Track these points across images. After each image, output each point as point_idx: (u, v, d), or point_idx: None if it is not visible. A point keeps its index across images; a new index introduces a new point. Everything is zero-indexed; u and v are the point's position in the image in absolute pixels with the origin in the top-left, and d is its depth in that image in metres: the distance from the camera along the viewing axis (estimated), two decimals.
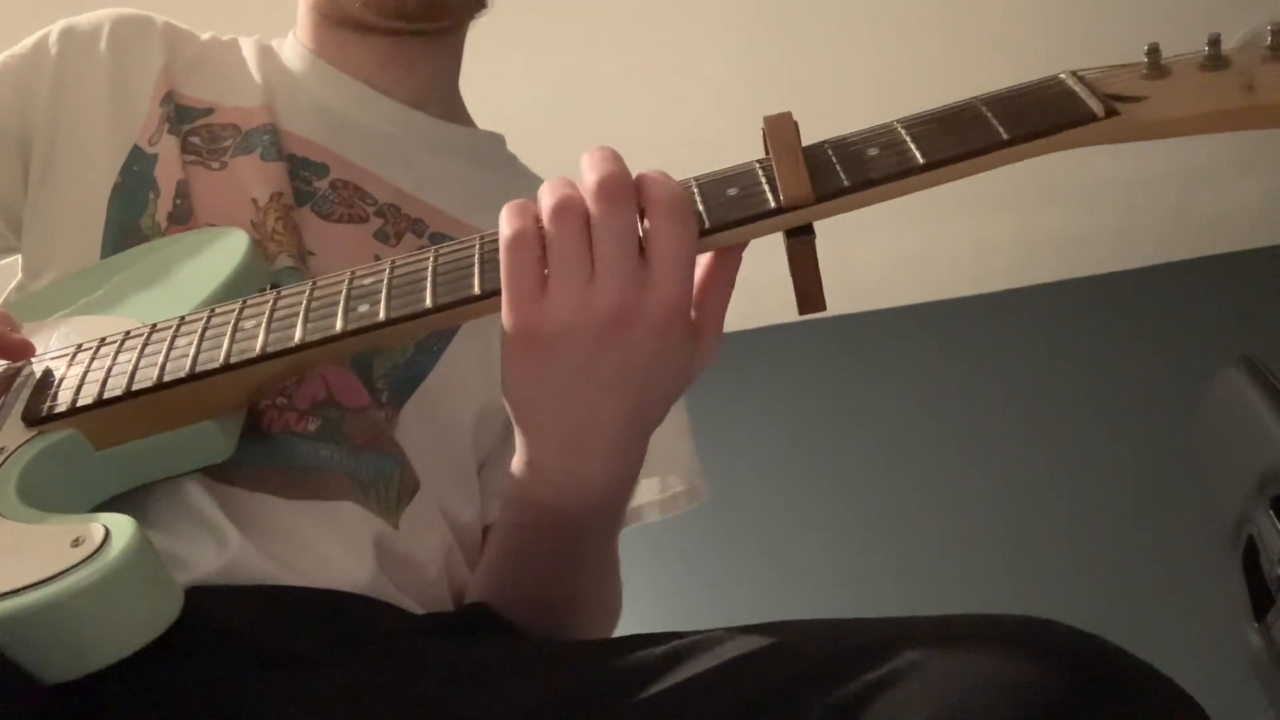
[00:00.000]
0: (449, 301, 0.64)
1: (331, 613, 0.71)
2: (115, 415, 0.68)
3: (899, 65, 2.56)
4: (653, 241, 0.61)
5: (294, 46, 0.98)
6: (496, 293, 0.63)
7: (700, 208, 0.63)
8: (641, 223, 0.62)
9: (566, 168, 0.67)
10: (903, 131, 0.63)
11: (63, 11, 0.98)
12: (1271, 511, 1.74)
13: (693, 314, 0.64)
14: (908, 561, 2.96)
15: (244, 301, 0.70)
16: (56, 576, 0.56)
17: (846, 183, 0.62)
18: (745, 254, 0.66)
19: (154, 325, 0.71)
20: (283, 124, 0.90)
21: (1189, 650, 1.79)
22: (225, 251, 0.78)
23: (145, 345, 0.70)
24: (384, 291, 0.66)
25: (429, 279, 0.65)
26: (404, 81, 0.95)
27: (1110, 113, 0.59)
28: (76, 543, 0.57)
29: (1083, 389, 3.08)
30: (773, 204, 0.62)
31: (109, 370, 0.69)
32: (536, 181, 0.77)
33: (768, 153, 0.64)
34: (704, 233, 0.63)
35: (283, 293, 0.70)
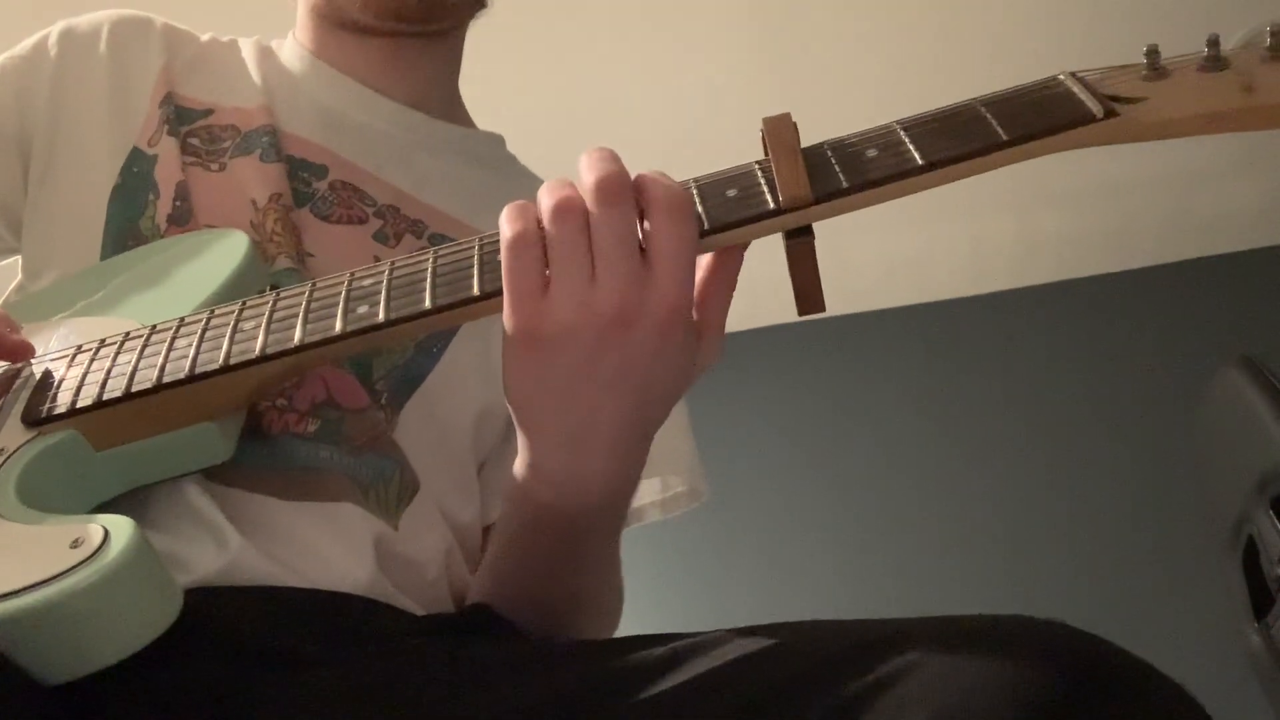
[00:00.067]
0: (448, 303, 0.64)
1: (331, 613, 0.71)
2: (115, 416, 0.68)
3: (898, 66, 2.56)
4: (653, 241, 0.61)
5: (293, 47, 0.98)
6: (496, 294, 0.63)
7: (700, 209, 0.63)
8: (641, 223, 0.62)
9: (566, 168, 0.67)
10: (902, 132, 0.63)
11: (63, 12, 0.99)
12: (1271, 511, 1.74)
13: (694, 315, 0.65)
14: (908, 561, 2.96)
15: (243, 303, 0.70)
16: (56, 577, 0.56)
17: (845, 184, 0.62)
18: (745, 254, 0.66)
19: (154, 326, 0.71)
20: (282, 125, 0.90)
21: (1189, 650, 1.79)
22: (225, 253, 0.78)
23: (145, 346, 0.70)
24: (383, 292, 0.66)
25: (428, 280, 0.65)
26: (403, 82, 0.95)
27: (1109, 114, 0.60)
28: (76, 544, 0.58)
29: (1082, 389, 3.08)
30: (772, 205, 0.62)
31: (108, 371, 0.69)
32: (536, 182, 0.77)
33: (767, 154, 0.64)
34: (703, 234, 0.63)
35: (282, 294, 0.70)
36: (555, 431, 0.66)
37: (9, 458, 0.66)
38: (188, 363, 0.67)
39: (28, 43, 0.94)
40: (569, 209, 0.61)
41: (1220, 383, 1.93)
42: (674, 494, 0.98)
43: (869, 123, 0.65)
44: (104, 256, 0.84)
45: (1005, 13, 2.48)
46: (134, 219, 0.85)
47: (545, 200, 0.62)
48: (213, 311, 0.71)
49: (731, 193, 0.64)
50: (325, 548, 0.73)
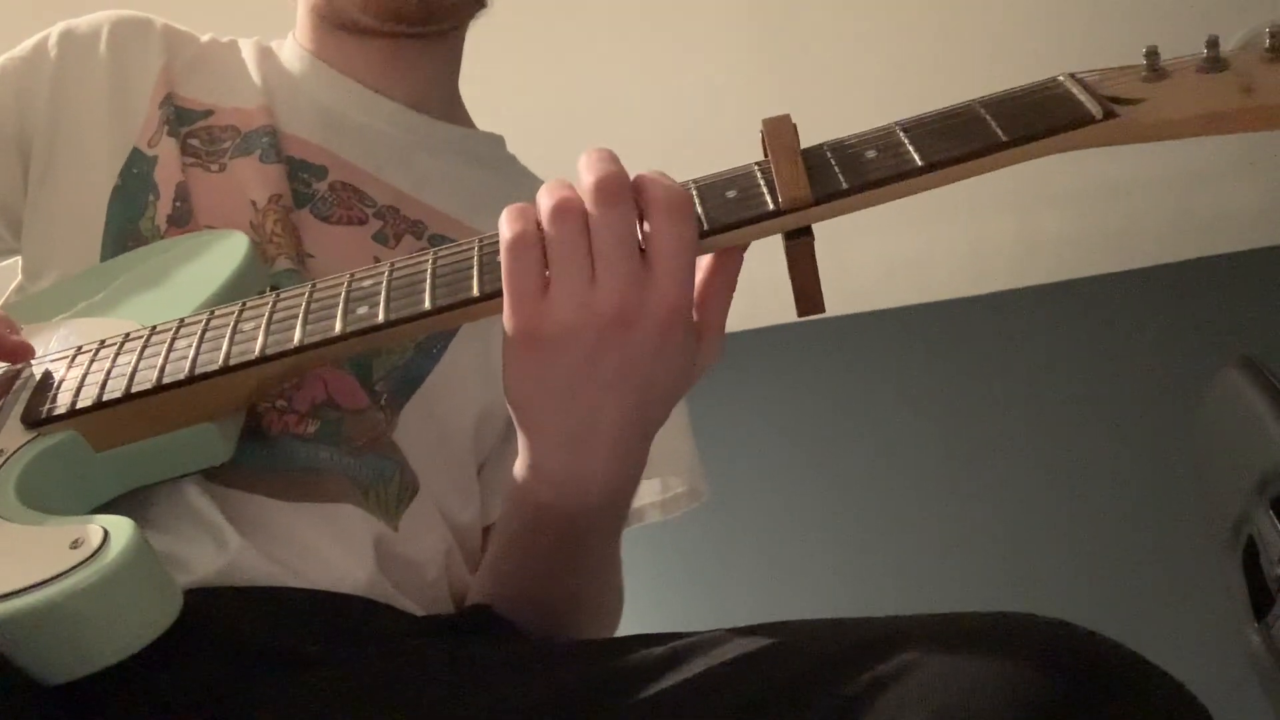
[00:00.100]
0: (448, 303, 0.64)
1: (331, 614, 0.71)
2: (114, 417, 0.68)
3: (897, 68, 2.56)
4: (653, 241, 0.61)
5: (293, 48, 0.98)
6: (496, 295, 0.64)
7: (699, 210, 0.63)
8: (641, 224, 0.62)
9: (566, 168, 0.67)
10: (901, 134, 0.63)
11: (63, 12, 0.99)
12: (1271, 511, 1.74)
13: (695, 312, 0.65)
14: (908, 562, 2.96)
15: (243, 304, 0.70)
16: (55, 578, 0.56)
17: (845, 185, 0.62)
18: (745, 255, 0.66)
19: (153, 327, 0.71)
20: (282, 126, 0.90)
21: (1189, 650, 1.79)
22: (225, 254, 0.78)
23: (145, 347, 0.70)
24: (383, 293, 0.66)
25: (428, 281, 0.65)
26: (403, 83, 0.95)
27: (1109, 115, 0.60)
28: (75, 544, 0.58)
29: (1082, 389, 3.08)
30: (771, 206, 0.62)
31: (108, 372, 0.69)
32: (536, 182, 0.77)
33: (766, 155, 0.64)
34: (703, 235, 0.63)
35: (282, 295, 0.70)
36: (555, 432, 0.66)
37: (9, 458, 0.66)
38: (187, 363, 0.67)
39: (28, 44, 0.94)
40: (568, 210, 0.61)
41: (1220, 383, 1.93)
42: (674, 494, 0.98)
43: (869, 123, 0.65)
44: (104, 257, 0.84)
45: (1005, 13, 2.48)
46: (134, 220, 0.85)
47: (544, 201, 0.62)
48: (212, 312, 0.71)
49: (731, 194, 0.64)
50: (325, 548, 0.73)
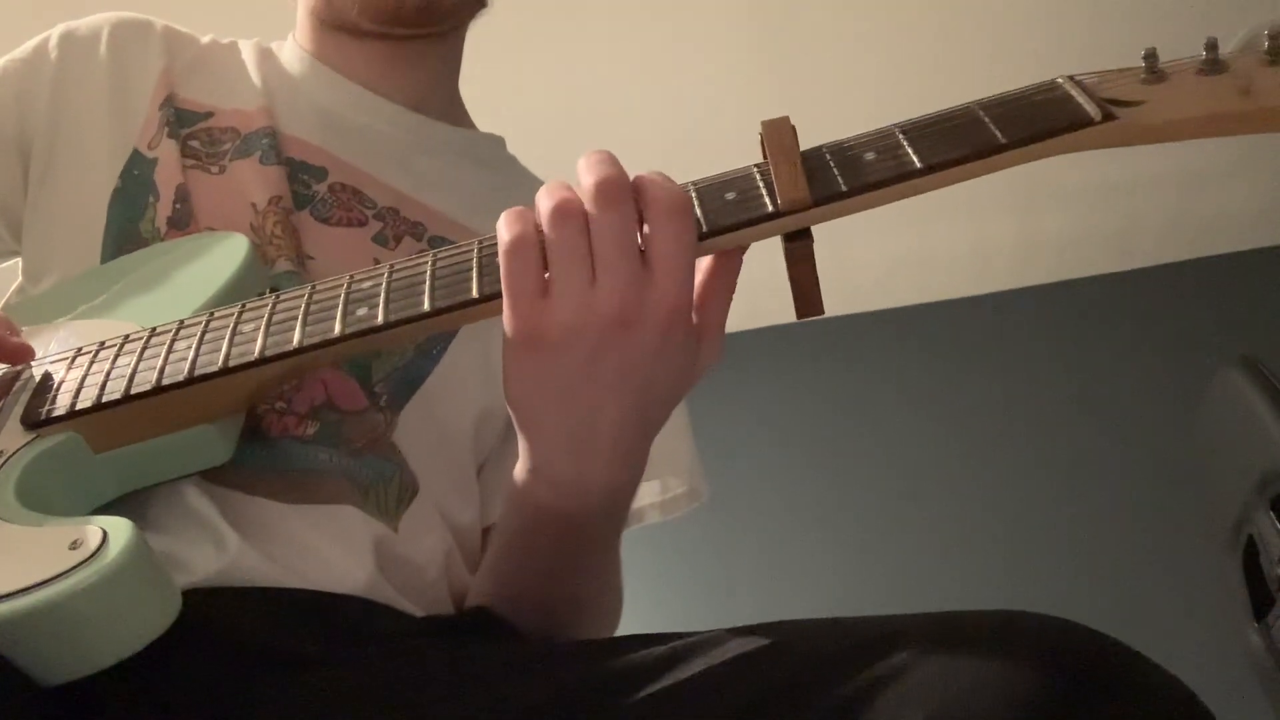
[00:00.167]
0: (447, 305, 0.64)
1: (331, 614, 0.71)
2: (114, 418, 0.68)
3: (897, 68, 2.56)
4: (652, 243, 0.61)
5: (293, 49, 0.98)
6: (495, 296, 0.64)
7: (698, 212, 0.63)
8: (641, 225, 0.62)
9: (566, 169, 0.67)
10: (900, 136, 0.63)
11: (63, 13, 0.99)
12: (1271, 511, 1.74)
13: (695, 314, 0.65)
14: (908, 561, 2.96)
15: (243, 305, 0.70)
16: (54, 579, 0.56)
17: (844, 187, 0.62)
18: (745, 255, 0.66)
19: (153, 329, 0.71)
20: (282, 127, 0.90)
21: (1189, 650, 1.79)
22: (225, 256, 0.78)
23: (144, 349, 0.70)
24: (382, 295, 0.66)
25: (427, 282, 0.65)
26: (403, 84, 0.95)
27: (1107, 117, 0.60)
28: (74, 545, 0.58)
29: (1082, 389, 3.08)
30: (770, 208, 0.62)
31: (108, 374, 0.69)
32: (537, 184, 0.77)
33: (765, 157, 0.64)
34: (702, 236, 0.63)
35: (281, 296, 0.70)
36: (555, 433, 0.66)
37: (8, 460, 0.66)
38: (187, 365, 0.67)
39: (28, 45, 0.94)
40: (568, 211, 0.61)
41: (1220, 383, 1.93)
42: (674, 495, 0.98)
43: (868, 124, 0.65)
44: (104, 259, 0.84)
45: (1005, 13, 2.48)
46: (134, 222, 0.85)
47: (544, 203, 0.62)
48: (212, 314, 0.71)
49: (730, 195, 0.64)
50: (325, 549, 0.73)
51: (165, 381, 0.67)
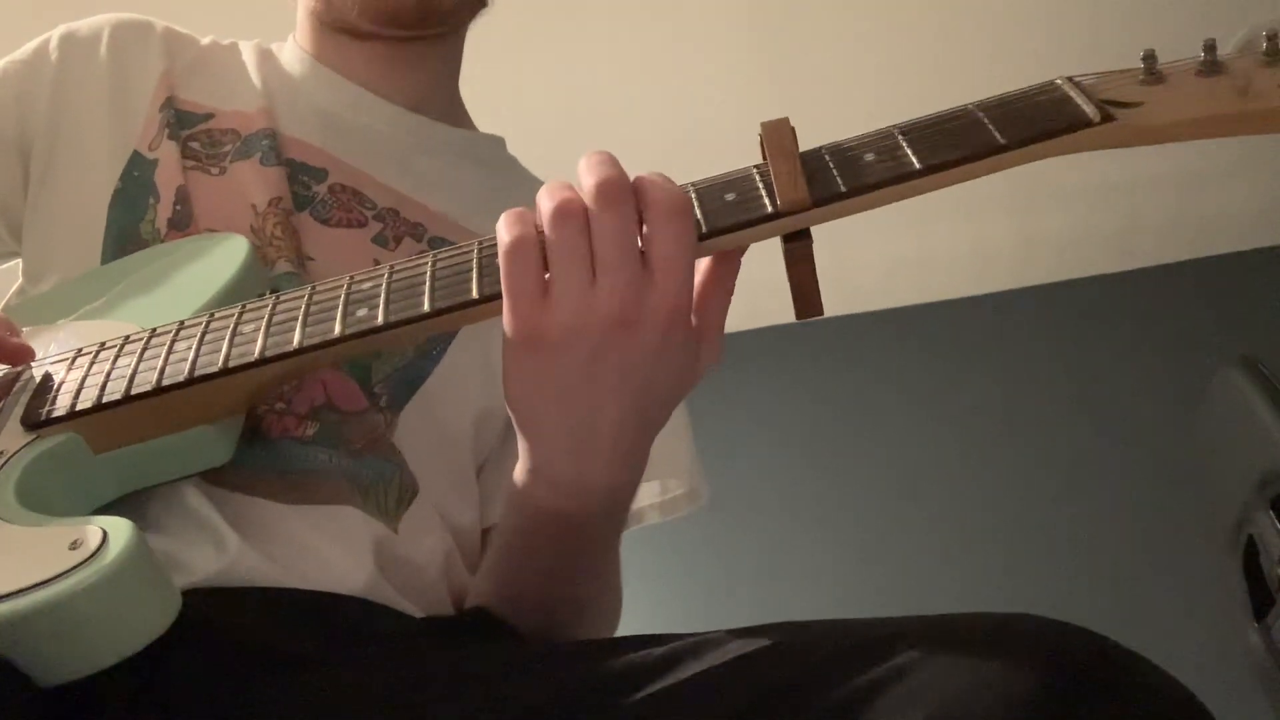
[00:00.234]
0: (447, 306, 0.64)
1: (331, 615, 0.71)
2: (114, 419, 0.68)
3: (896, 70, 2.56)
4: (652, 243, 0.61)
5: (293, 50, 0.98)
6: (495, 297, 0.64)
7: (698, 213, 0.63)
8: (641, 226, 0.62)
9: (566, 169, 0.67)
10: (899, 137, 0.63)
11: (63, 14, 0.99)
12: (1271, 511, 1.75)
13: (694, 319, 0.65)
14: (908, 562, 2.96)
15: (243, 306, 0.70)
16: (54, 579, 0.56)
17: (843, 188, 0.62)
18: (744, 256, 0.66)
19: (153, 330, 0.71)
20: (282, 128, 0.90)
21: (1189, 650, 1.79)
22: (225, 257, 0.78)
23: (144, 349, 0.70)
24: (382, 296, 0.66)
25: (427, 283, 0.66)
26: (403, 85, 0.95)
27: (1106, 118, 0.60)
28: (74, 545, 0.58)
29: (1082, 389, 3.08)
30: (770, 209, 0.62)
31: (108, 374, 0.69)
32: (537, 184, 0.77)
33: (765, 158, 0.64)
34: (701, 237, 0.63)
35: (281, 297, 0.70)
36: (556, 434, 0.66)
37: (8, 460, 0.66)
38: (187, 365, 0.67)
39: (28, 47, 0.94)
40: (569, 212, 0.61)
41: (1220, 383, 1.94)
42: (673, 496, 0.98)
43: (868, 124, 0.65)
44: (104, 260, 0.84)
45: (1005, 13, 2.48)
46: (134, 223, 0.85)
47: (545, 203, 0.62)
48: (212, 315, 0.71)
49: (730, 196, 0.64)
50: (325, 550, 0.73)
51: (166, 382, 0.67)
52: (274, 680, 0.64)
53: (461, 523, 0.85)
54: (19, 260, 0.91)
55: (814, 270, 0.64)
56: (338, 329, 0.66)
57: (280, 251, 0.82)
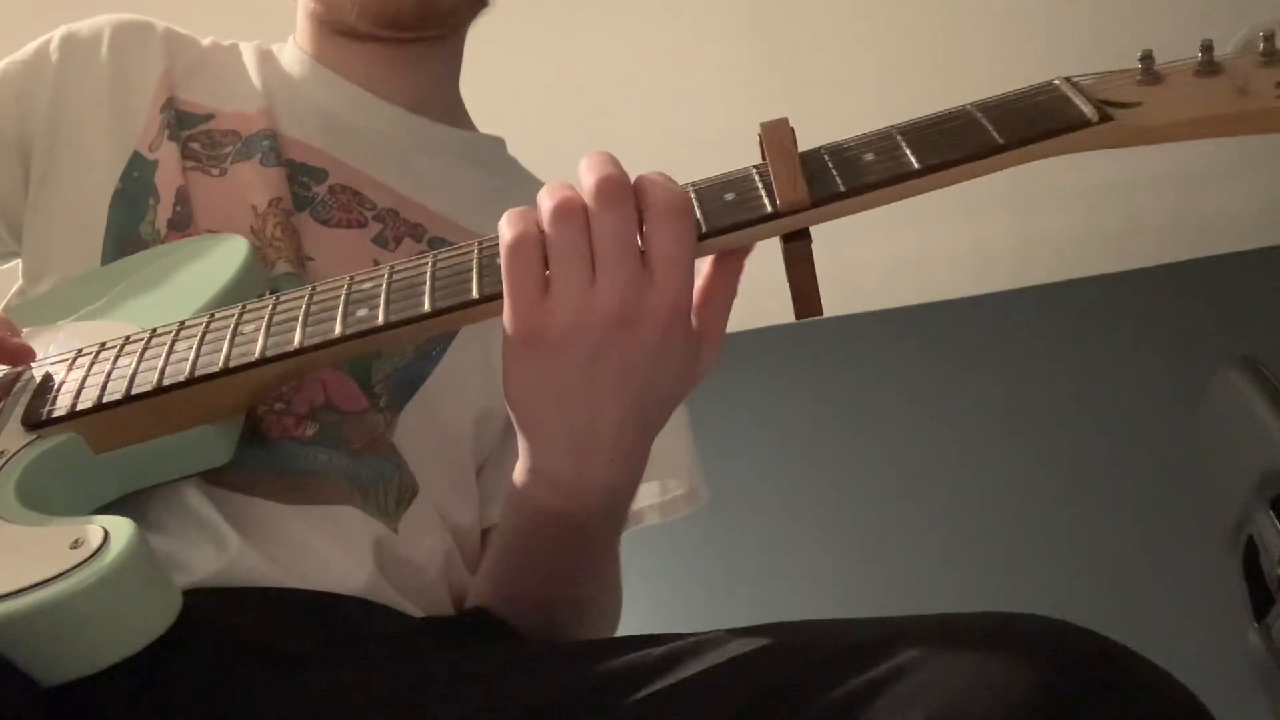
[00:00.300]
0: (447, 306, 0.65)
1: (331, 614, 0.71)
2: (114, 419, 0.68)
3: (896, 70, 2.56)
4: (652, 243, 0.61)
5: (293, 51, 0.98)
6: (495, 297, 0.64)
7: (698, 213, 0.63)
8: (641, 226, 0.62)
9: (566, 169, 0.67)
10: (899, 137, 0.63)
11: (63, 14, 0.99)
12: (1271, 512, 1.74)
13: (695, 321, 0.65)
14: (908, 562, 2.96)
15: (243, 306, 0.70)
16: (55, 578, 0.56)
17: (843, 188, 0.62)
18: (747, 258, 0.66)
19: (153, 330, 0.71)
20: (282, 129, 0.90)
21: (1189, 650, 1.79)
22: (225, 257, 0.78)
23: (145, 350, 0.70)
24: (383, 296, 0.66)
25: (427, 283, 0.66)
26: (403, 85, 0.95)
27: (1104, 118, 0.60)
28: (75, 544, 0.58)
29: (1082, 389, 3.08)
30: (769, 209, 0.62)
31: (108, 374, 0.69)
32: (537, 185, 0.77)
33: (764, 158, 0.64)
34: (701, 237, 0.63)
35: (282, 297, 0.70)
36: (556, 434, 0.66)
37: (9, 460, 0.66)
38: (187, 365, 0.67)
39: (29, 47, 0.95)
40: (569, 210, 0.61)
41: (1220, 383, 1.94)
42: (673, 497, 0.98)
43: (868, 124, 0.66)
44: (104, 261, 0.84)
45: (1005, 13, 2.48)
46: (134, 224, 0.85)
47: (545, 202, 0.62)
48: (213, 315, 0.71)
49: (729, 196, 0.64)
50: (325, 550, 0.74)
51: (166, 382, 0.67)
52: (274, 680, 0.64)
53: (461, 523, 0.85)
54: (19, 261, 0.91)
55: (813, 270, 0.64)
56: (338, 329, 0.66)
57: (280, 252, 0.83)
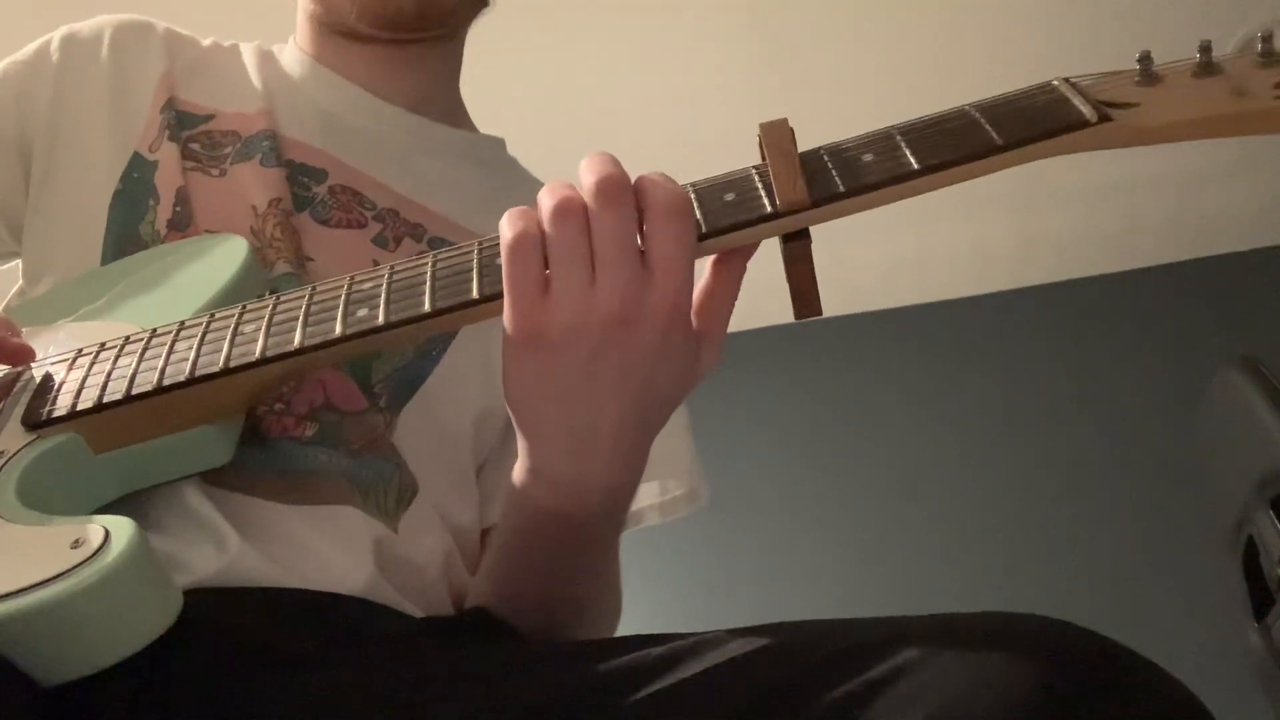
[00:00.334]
0: (448, 305, 0.65)
1: (331, 614, 0.71)
2: (114, 419, 0.68)
3: (896, 70, 2.56)
4: (652, 243, 0.61)
5: (294, 52, 0.98)
6: (495, 297, 0.64)
7: (697, 213, 0.63)
8: (642, 226, 0.62)
9: (566, 170, 0.67)
10: (898, 137, 0.63)
11: (64, 14, 0.99)
12: (1271, 511, 1.75)
13: (696, 322, 0.65)
14: (908, 562, 2.96)
15: (244, 306, 0.70)
16: (56, 578, 0.56)
17: (842, 188, 0.62)
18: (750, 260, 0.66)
19: (153, 330, 0.71)
20: (282, 129, 0.91)
21: (1189, 650, 1.80)
22: (224, 258, 0.78)
23: (145, 350, 0.70)
24: (383, 296, 0.66)
25: (428, 284, 0.66)
26: (403, 86, 0.95)
27: (1103, 119, 0.60)
28: (76, 544, 0.58)
29: (1082, 390, 3.08)
30: (769, 209, 0.62)
31: (109, 374, 0.69)
32: (537, 185, 0.77)
33: (764, 158, 0.64)
34: (701, 237, 0.63)
35: (282, 297, 0.70)
36: (555, 434, 0.67)
37: (9, 460, 0.66)
38: (188, 365, 0.67)
39: (30, 48, 0.95)
40: (569, 209, 0.61)
41: (1220, 383, 1.94)
42: (673, 497, 0.98)
43: (868, 123, 0.66)
44: (104, 261, 0.84)
45: (1005, 13, 2.48)
46: (134, 224, 0.85)
47: (545, 201, 0.63)
48: (213, 315, 0.71)
49: (729, 197, 0.64)
50: (325, 550, 0.74)
51: (167, 382, 0.67)
52: (274, 680, 0.64)
53: (461, 522, 0.85)
54: (19, 261, 0.91)
55: (813, 270, 0.64)
56: (339, 329, 0.66)
57: (280, 252, 0.83)
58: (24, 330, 0.77)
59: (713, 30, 2.50)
